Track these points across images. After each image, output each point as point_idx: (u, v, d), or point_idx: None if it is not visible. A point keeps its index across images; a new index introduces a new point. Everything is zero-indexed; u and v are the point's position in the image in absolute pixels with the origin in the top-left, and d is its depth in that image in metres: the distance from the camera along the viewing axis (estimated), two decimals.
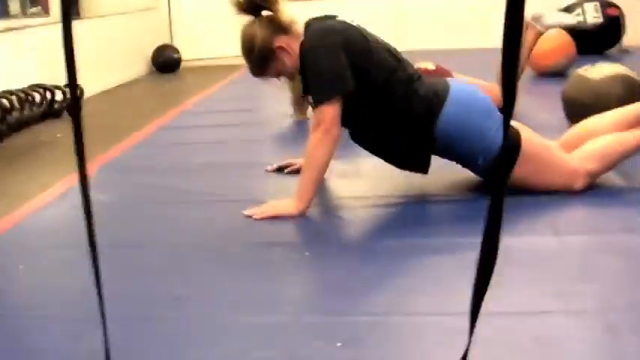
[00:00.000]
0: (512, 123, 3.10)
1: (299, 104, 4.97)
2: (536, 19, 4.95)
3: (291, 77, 3.24)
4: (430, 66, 5.01)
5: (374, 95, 3.06)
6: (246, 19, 3.17)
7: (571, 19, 5.11)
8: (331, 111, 2.96)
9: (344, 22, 3.13)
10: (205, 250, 2.72)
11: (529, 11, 4.94)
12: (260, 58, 3.13)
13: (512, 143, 2.98)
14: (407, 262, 2.52)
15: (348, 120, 3.09)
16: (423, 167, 3.19)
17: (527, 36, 4.87)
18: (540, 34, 5.05)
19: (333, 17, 3.19)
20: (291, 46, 3.11)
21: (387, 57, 3.12)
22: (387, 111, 3.08)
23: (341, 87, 2.99)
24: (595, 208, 2.98)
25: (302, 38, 3.10)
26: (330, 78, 2.99)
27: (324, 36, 3.04)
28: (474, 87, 3.23)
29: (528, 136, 3.08)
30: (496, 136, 2.99)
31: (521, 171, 2.99)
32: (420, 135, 3.07)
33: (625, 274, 2.39)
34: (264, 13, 3.13)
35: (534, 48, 5.02)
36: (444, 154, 3.13)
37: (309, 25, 3.15)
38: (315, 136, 2.98)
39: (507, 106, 1.09)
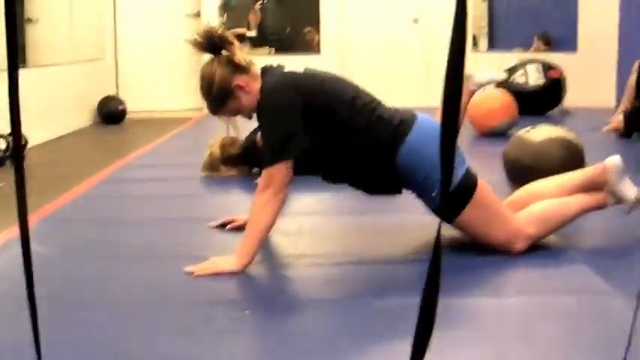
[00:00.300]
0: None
1: (214, 165, 4.99)
2: (467, 77, 5.07)
3: (248, 116, 3.25)
4: None
5: (339, 127, 3.09)
6: (207, 57, 3.21)
7: (501, 76, 5.26)
8: (281, 174, 2.97)
9: (295, 73, 3.16)
10: (146, 306, 2.69)
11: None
12: (218, 96, 3.15)
13: (474, 179, 3.06)
14: (347, 320, 2.52)
15: (314, 157, 3.14)
16: (393, 191, 3.24)
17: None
18: (473, 92, 5.20)
19: (283, 67, 3.22)
20: (249, 86, 3.14)
21: (342, 87, 3.19)
22: (352, 139, 3.11)
23: (293, 150, 3.01)
24: (534, 269, 3.01)
25: (260, 83, 3.13)
26: (283, 140, 3.01)
27: (280, 92, 3.06)
28: (436, 121, 3.28)
29: (484, 184, 3.13)
30: (456, 175, 3.03)
31: (469, 214, 3.03)
32: (383, 161, 3.09)
33: (564, 335, 2.41)
34: (224, 52, 3.16)
35: (468, 107, 5.14)
36: (404, 182, 3.15)
37: (265, 71, 3.18)
38: (262, 197, 2.98)
39: (446, 169, 1.11)
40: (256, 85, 3.14)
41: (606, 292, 2.70)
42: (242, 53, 3.17)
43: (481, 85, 5.20)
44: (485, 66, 5.49)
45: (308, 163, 3.18)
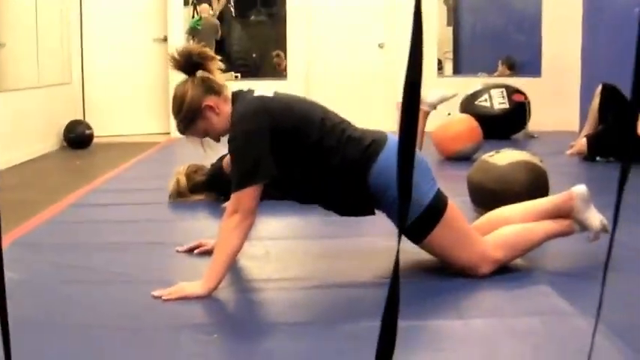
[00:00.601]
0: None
1: (180, 192, 5.01)
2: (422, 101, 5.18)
3: (216, 139, 3.27)
4: None
5: (310, 148, 3.12)
6: (182, 76, 3.24)
7: (451, 93, 5.36)
8: (249, 198, 2.99)
9: (264, 97, 3.18)
10: (114, 331, 2.70)
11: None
12: (188, 116, 3.17)
13: (445, 202, 3.10)
14: (315, 343, 2.55)
15: (285, 181, 3.17)
16: (366, 212, 3.27)
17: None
18: (427, 113, 5.32)
19: (253, 91, 3.26)
20: (220, 107, 3.16)
21: (311, 109, 3.23)
22: (323, 160, 3.13)
23: (261, 175, 3.04)
24: (499, 290, 3.05)
25: (230, 107, 3.17)
26: (252, 165, 3.03)
27: (250, 117, 3.08)
28: None
29: (454, 206, 3.17)
30: (426, 191, 3.08)
31: (438, 235, 3.07)
32: (355, 181, 3.12)
33: (528, 356, 2.45)
34: (199, 73, 3.19)
35: (429, 130, 5.29)
36: (376, 202, 3.18)
37: (236, 96, 3.21)
38: (230, 222, 3.00)
39: (403, 189, 1.14)
40: (227, 109, 3.17)
41: (569, 313, 2.75)
42: (219, 74, 3.20)
43: (433, 105, 5.31)
44: (435, 85, 5.59)
45: (278, 187, 3.21)
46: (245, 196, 3.00)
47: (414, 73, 1.04)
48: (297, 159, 3.13)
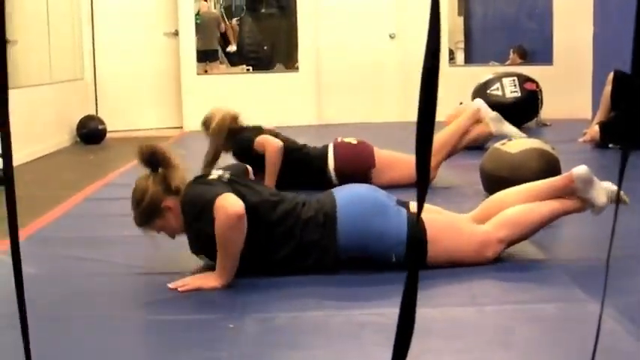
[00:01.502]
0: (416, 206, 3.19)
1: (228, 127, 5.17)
2: (496, 121, 5.20)
3: (171, 236, 3.30)
4: (353, 141, 5.14)
5: (266, 229, 3.11)
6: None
7: (519, 134, 5.34)
8: (229, 201, 2.95)
9: (216, 180, 3.21)
10: (134, 322, 2.73)
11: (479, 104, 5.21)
12: (147, 212, 3.21)
13: (420, 236, 3.05)
14: (327, 334, 2.57)
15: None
16: None
17: (478, 128, 5.16)
18: (490, 135, 5.34)
19: (205, 176, 3.30)
20: (177, 208, 3.18)
21: (264, 193, 3.23)
22: (289, 244, 3.14)
23: (223, 189, 3.05)
24: (513, 278, 3.06)
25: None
26: (211, 190, 3.05)
27: (199, 188, 3.15)
28: (356, 188, 3.34)
29: (431, 217, 3.17)
30: (399, 227, 3.10)
31: (432, 253, 3.08)
32: (326, 258, 3.14)
33: (542, 342, 2.46)
34: (161, 171, 3.22)
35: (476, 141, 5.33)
36: (359, 259, 3.17)
37: (186, 186, 3.21)
38: (224, 224, 2.92)
39: (421, 184, 1.15)
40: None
41: (583, 300, 2.76)
42: (179, 176, 3.20)
43: (500, 134, 5.32)
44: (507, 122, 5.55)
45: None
46: (220, 203, 2.95)
47: (433, 49, 1.05)
48: (261, 243, 3.12)
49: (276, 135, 5.23)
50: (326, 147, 5.18)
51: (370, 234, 3.10)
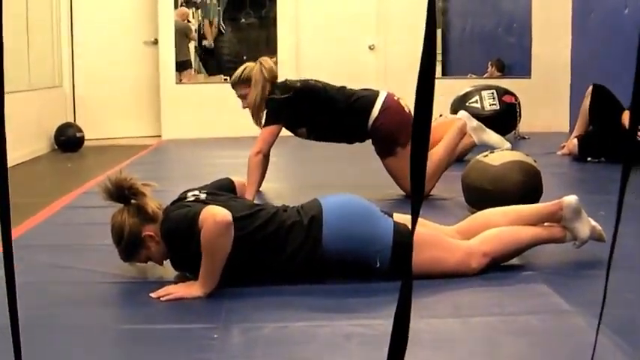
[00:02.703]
0: (401, 217, 3.20)
1: None
2: (477, 130, 5.23)
3: (159, 262, 3.29)
4: (408, 106, 5.03)
5: (248, 241, 3.10)
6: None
7: (506, 146, 5.38)
8: (212, 209, 2.95)
9: (192, 202, 3.21)
10: (112, 331, 2.70)
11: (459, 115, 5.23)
12: (129, 246, 3.20)
13: (407, 236, 3.05)
14: (313, 344, 2.56)
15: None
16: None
17: (465, 140, 5.20)
18: (474, 145, 5.38)
19: (184, 198, 3.29)
20: (158, 234, 3.17)
21: (240, 207, 3.21)
22: (273, 249, 3.13)
23: (202, 207, 3.04)
24: (496, 290, 3.07)
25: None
26: (192, 209, 3.05)
27: (179, 212, 3.13)
28: (342, 195, 3.34)
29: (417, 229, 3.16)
30: (385, 233, 3.10)
31: (416, 262, 3.05)
32: (311, 262, 3.13)
33: (528, 354, 2.47)
34: (134, 201, 3.21)
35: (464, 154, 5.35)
36: (341, 271, 3.16)
37: (164, 211, 3.22)
38: (211, 231, 2.92)
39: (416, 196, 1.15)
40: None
41: (567, 311, 2.77)
42: (152, 203, 3.20)
43: (483, 143, 5.35)
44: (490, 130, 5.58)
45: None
46: (210, 210, 2.96)
47: (427, 61, 1.05)
48: (248, 253, 3.10)
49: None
50: (376, 96, 5.08)
51: (356, 238, 3.10)
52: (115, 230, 3.21)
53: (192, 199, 3.24)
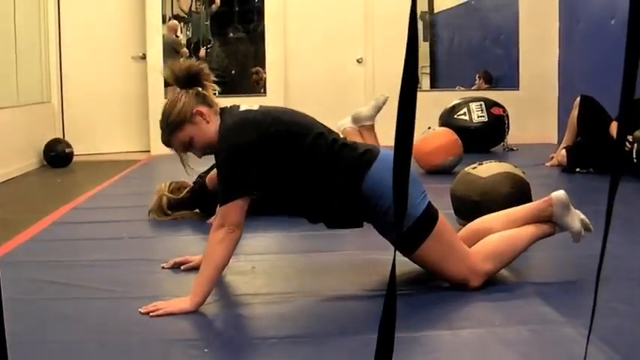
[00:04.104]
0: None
1: (162, 210, 5.01)
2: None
3: (199, 153, 3.26)
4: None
5: (302, 155, 3.12)
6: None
7: (382, 98, 5.41)
8: (236, 212, 3.00)
9: (251, 111, 3.19)
10: (102, 347, 2.69)
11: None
12: (177, 119, 3.17)
13: (436, 214, 3.11)
14: (308, 356, 2.55)
15: (277, 191, 3.18)
16: (355, 224, 3.28)
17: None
18: (371, 127, 5.43)
19: (239, 106, 3.27)
20: (210, 117, 3.17)
21: (300, 118, 3.25)
22: (316, 166, 3.14)
23: (248, 189, 3.05)
24: (487, 302, 3.07)
25: (218, 121, 3.17)
26: (238, 179, 3.04)
27: (238, 131, 3.09)
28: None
29: (444, 219, 3.18)
30: (417, 204, 3.09)
31: (429, 247, 3.07)
32: (348, 188, 3.12)
33: None
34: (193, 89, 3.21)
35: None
36: (368, 212, 3.16)
37: (223, 111, 3.22)
38: (217, 235, 3.00)
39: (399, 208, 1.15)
40: (215, 121, 3.18)
41: (558, 322, 2.77)
42: (212, 94, 3.23)
43: (372, 117, 5.35)
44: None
45: (268, 200, 3.22)
46: (231, 210, 3.00)
47: (410, 73, 1.05)
48: (289, 165, 3.13)
49: None
50: None
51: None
52: (168, 106, 3.21)
53: (244, 108, 3.22)
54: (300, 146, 3.12)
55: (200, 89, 3.23)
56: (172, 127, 3.20)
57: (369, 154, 3.16)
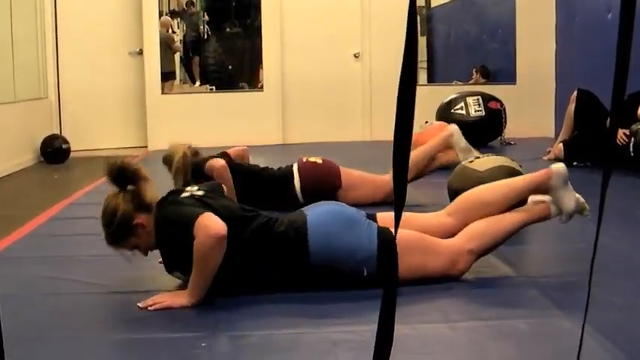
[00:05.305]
0: (384, 216, 3.20)
1: (185, 167, 5.02)
2: (465, 152, 5.20)
3: (144, 253, 3.28)
4: (318, 160, 5.15)
5: (242, 247, 3.08)
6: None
7: (475, 155, 5.31)
8: (208, 219, 2.95)
9: (188, 198, 3.20)
10: (103, 342, 2.70)
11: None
12: (118, 231, 3.18)
13: (391, 238, 3.06)
14: (300, 352, 2.56)
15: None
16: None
17: (448, 155, 5.17)
18: (455, 163, 5.33)
19: (178, 192, 3.28)
20: (149, 225, 3.16)
21: (237, 209, 3.22)
22: (262, 255, 3.13)
23: (199, 207, 3.05)
24: (482, 295, 3.07)
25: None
26: (190, 209, 3.04)
27: (175, 208, 3.12)
28: (326, 204, 3.35)
29: (400, 231, 3.15)
30: (370, 241, 3.09)
31: (402, 267, 3.05)
32: (298, 272, 3.12)
33: (515, 357, 2.47)
34: (130, 187, 3.20)
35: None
36: (330, 280, 3.14)
37: (159, 202, 3.21)
38: (204, 244, 2.91)
39: (398, 201, 1.15)
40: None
41: (554, 315, 2.78)
42: (150, 192, 3.19)
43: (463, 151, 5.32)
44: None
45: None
46: (205, 220, 2.94)
47: (408, 69, 1.06)
48: (238, 254, 3.08)
49: (242, 158, 5.25)
50: (291, 167, 5.18)
51: (341, 248, 3.10)
52: (107, 212, 3.19)
53: (187, 194, 3.23)
54: (235, 243, 3.05)
55: (135, 187, 3.20)
56: (115, 239, 3.23)
57: (300, 235, 3.12)
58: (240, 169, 5.10)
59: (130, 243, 3.22)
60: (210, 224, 2.92)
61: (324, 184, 5.07)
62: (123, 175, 3.19)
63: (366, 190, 4.96)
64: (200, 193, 3.24)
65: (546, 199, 3.32)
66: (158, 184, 5.03)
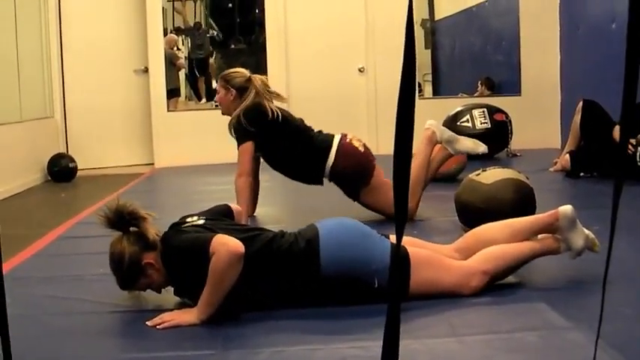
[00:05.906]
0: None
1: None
2: (449, 142, 5.14)
3: (157, 290, 3.28)
4: (360, 147, 5.04)
5: (248, 266, 3.04)
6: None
7: (481, 149, 5.25)
8: (225, 238, 2.97)
9: (190, 227, 3.21)
10: None
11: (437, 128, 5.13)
12: (129, 274, 3.19)
13: (403, 253, 3.09)
14: None
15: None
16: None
17: (437, 155, 5.11)
18: (450, 155, 5.26)
19: (179, 224, 3.28)
20: (158, 262, 3.17)
21: (239, 232, 3.20)
22: (270, 272, 3.14)
23: (205, 233, 3.06)
24: (492, 308, 3.07)
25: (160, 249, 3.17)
26: (199, 236, 3.05)
27: (185, 237, 3.12)
28: (339, 218, 3.34)
29: (413, 249, 3.18)
30: (383, 253, 3.10)
31: (414, 283, 3.08)
32: (309, 285, 3.13)
33: None
34: (132, 229, 3.20)
35: (441, 165, 5.25)
36: (341, 293, 3.15)
37: (164, 236, 3.22)
38: (222, 259, 2.92)
39: (399, 216, 1.16)
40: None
41: (562, 327, 2.77)
42: (152, 229, 3.19)
43: (458, 153, 5.27)
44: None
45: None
46: (223, 239, 2.97)
47: (408, 78, 1.06)
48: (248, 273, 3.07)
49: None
50: (331, 142, 5.09)
51: (354, 259, 3.10)
52: (115, 258, 3.19)
53: (189, 224, 3.24)
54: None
55: (137, 229, 3.21)
56: (128, 282, 3.24)
57: (311, 248, 3.14)
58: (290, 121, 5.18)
59: (142, 284, 3.23)
60: (229, 242, 2.94)
61: (355, 173, 4.99)
62: (122, 219, 3.19)
63: (386, 199, 4.81)
64: (201, 221, 3.25)
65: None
66: (165, 200, 5.04)
